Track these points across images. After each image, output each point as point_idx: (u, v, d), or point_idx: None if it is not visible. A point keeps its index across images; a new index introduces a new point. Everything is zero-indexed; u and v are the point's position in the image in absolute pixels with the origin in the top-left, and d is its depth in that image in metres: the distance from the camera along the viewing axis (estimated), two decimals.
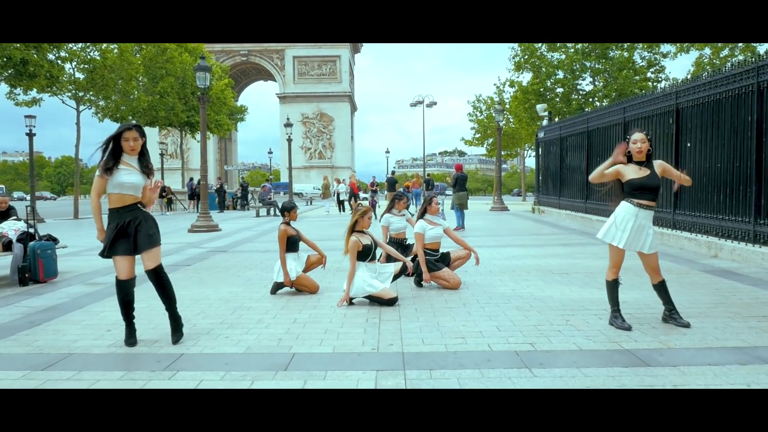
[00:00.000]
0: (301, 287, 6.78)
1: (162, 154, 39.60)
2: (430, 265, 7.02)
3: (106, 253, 4.62)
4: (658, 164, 5.01)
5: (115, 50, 26.31)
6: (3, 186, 73.24)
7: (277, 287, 6.82)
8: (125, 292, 4.72)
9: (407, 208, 8.73)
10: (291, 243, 6.87)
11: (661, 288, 5.09)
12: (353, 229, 6.23)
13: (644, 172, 4.93)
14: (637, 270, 7.86)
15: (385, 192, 29.39)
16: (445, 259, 7.30)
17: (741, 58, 27.95)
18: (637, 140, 4.90)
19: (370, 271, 6.13)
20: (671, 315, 5.04)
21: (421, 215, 7.37)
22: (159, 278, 4.75)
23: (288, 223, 6.98)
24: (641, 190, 4.93)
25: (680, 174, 5.15)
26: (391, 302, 5.93)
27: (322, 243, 11.78)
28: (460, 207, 15.66)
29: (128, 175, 4.52)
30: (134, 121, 4.53)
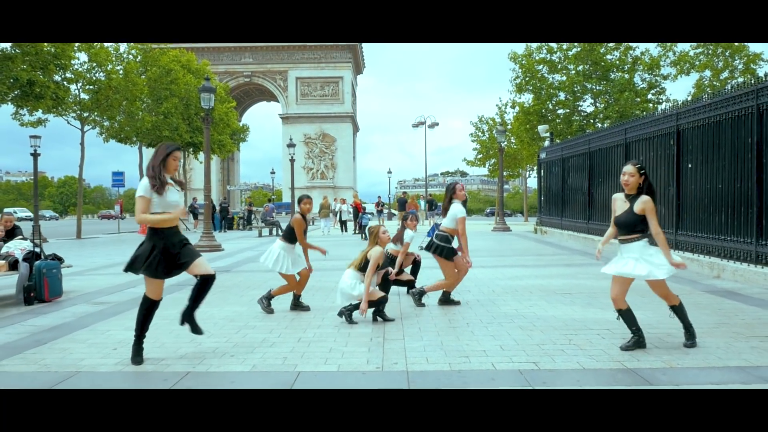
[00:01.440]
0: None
1: None
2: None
3: (149, 272, 4.64)
4: (641, 202, 4.81)
5: (121, 71, 26.66)
6: (14, 209, 73.15)
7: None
8: (151, 311, 4.91)
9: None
10: (291, 236, 7.03)
11: (676, 311, 5.06)
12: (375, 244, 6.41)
13: (626, 206, 4.90)
14: (640, 290, 7.90)
15: (394, 211, 29.38)
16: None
17: (741, 80, 28.27)
18: (626, 172, 4.87)
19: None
20: (687, 337, 5.00)
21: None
22: (206, 284, 4.92)
23: (303, 216, 7.06)
24: (618, 227, 4.96)
25: (657, 230, 4.81)
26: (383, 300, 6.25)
27: (324, 263, 11.81)
28: None
29: (175, 194, 4.70)
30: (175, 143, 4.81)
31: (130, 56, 29.02)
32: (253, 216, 32.57)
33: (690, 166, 10.70)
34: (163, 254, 4.57)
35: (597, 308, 6.79)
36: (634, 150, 13.18)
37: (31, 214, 71.62)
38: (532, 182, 50.38)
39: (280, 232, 27.79)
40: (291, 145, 32.39)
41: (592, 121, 28.95)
